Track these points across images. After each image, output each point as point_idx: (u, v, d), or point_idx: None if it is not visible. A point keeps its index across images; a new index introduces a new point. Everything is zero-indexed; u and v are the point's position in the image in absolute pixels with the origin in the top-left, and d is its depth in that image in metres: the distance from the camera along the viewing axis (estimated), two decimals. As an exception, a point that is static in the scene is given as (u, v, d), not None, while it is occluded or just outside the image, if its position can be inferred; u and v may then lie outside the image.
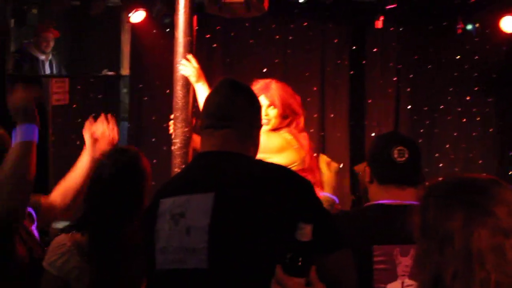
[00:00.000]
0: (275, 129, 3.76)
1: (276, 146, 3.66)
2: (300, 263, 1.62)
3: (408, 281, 2.25)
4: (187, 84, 3.76)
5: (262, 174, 1.98)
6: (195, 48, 3.82)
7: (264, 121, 3.63)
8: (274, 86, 3.79)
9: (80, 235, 2.50)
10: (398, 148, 2.42)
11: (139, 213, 2.45)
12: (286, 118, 3.76)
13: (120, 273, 2.46)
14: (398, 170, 2.37)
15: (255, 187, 1.91)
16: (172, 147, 3.77)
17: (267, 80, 3.83)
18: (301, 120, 3.82)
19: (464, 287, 1.30)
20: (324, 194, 2.97)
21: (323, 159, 3.10)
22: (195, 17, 3.81)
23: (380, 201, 2.44)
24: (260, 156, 3.57)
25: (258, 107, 2.21)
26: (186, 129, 3.75)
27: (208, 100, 2.21)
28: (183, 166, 3.64)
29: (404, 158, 2.41)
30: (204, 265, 1.86)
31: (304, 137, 3.79)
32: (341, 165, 6.33)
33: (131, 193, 2.55)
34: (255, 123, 2.18)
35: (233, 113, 2.11)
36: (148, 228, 2.02)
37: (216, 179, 1.97)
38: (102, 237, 2.50)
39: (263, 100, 3.69)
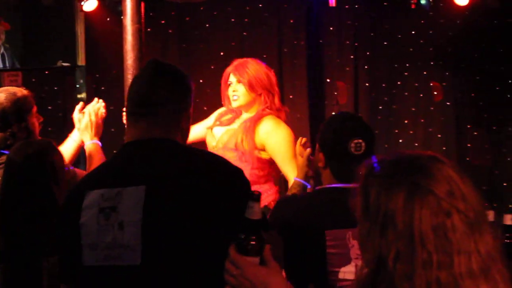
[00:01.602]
0: (254, 111, 3.88)
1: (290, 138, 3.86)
2: (253, 242, 1.61)
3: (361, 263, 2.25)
4: (138, 72, 3.71)
5: (193, 163, 1.92)
6: (143, 35, 3.77)
7: (234, 97, 3.68)
8: (248, 65, 3.85)
9: None
10: (355, 141, 2.40)
11: (53, 208, 2.44)
12: (259, 95, 3.79)
13: (37, 269, 2.42)
14: (354, 163, 2.32)
15: (186, 178, 1.86)
16: (125, 136, 3.72)
17: (243, 59, 3.85)
18: (276, 98, 3.88)
19: (406, 268, 1.29)
20: (296, 179, 2.96)
21: (299, 142, 3.07)
22: (142, 4, 3.75)
23: (332, 185, 2.43)
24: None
25: (185, 88, 2.07)
26: (139, 118, 3.71)
27: (131, 85, 2.13)
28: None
29: (361, 151, 2.39)
30: (137, 261, 1.81)
31: (284, 114, 3.96)
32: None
33: (40, 185, 2.54)
34: (183, 106, 2.05)
35: (155, 99, 1.99)
36: (70, 221, 1.92)
37: (146, 171, 1.90)
38: (13, 234, 2.49)
39: (231, 78, 3.81)
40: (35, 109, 3.17)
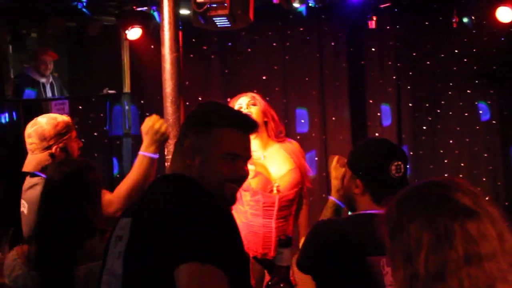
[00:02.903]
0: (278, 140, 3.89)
1: None
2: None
3: None
4: (177, 100, 3.77)
5: (161, 204, 1.89)
6: (182, 64, 3.83)
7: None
8: (256, 95, 3.96)
9: (27, 246, 2.66)
10: (396, 163, 2.38)
11: (88, 224, 2.62)
12: (266, 123, 3.85)
13: (67, 280, 2.55)
14: (394, 186, 2.26)
15: (154, 218, 1.84)
16: (166, 164, 3.79)
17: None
18: (283, 131, 3.98)
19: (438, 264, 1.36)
20: (331, 198, 2.91)
21: (333, 161, 2.91)
22: (181, 33, 3.82)
23: (369, 211, 2.40)
24: None
25: (196, 125, 2.05)
26: (179, 145, 3.77)
27: None
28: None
29: (401, 173, 2.38)
30: None
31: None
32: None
33: (74, 203, 2.64)
34: (187, 138, 2.04)
35: (179, 135, 2.12)
36: (107, 244, 2.04)
37: (138, 205, 1.98)
38: (45, 246, 2.62)
39: (243, 100, 3.85)
40: (74, 134, 3.33)
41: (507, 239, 1.38)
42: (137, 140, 6.78)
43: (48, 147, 3.20)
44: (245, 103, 3.81)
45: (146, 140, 3.17)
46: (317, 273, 2.38)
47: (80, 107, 6.60)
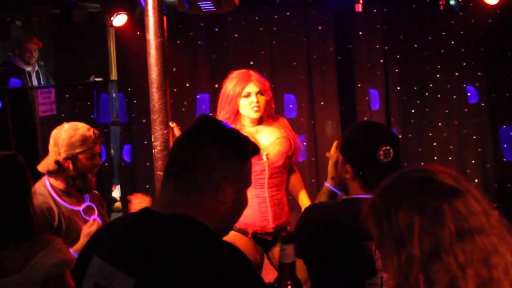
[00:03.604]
0: (268, 121, 3.82)
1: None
2: (289, 286, 1.61)
3: (386, 276, 2.20)
4: (162, 86, 3.74)
5: (186, 260, 1.56)
6: (167, 49, 3.79)
7: (255, 108, 3.65)
8: (255, 74, 3.80)
9: None
10: (384, 148, 2.33)
11: (9, 228, 2.32)
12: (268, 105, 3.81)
13: None
14: (384, 171, 2.21)
15: (173, 279, 1.54)
16: (153, 150, 3.76)
17: (243, 70, 3.81)
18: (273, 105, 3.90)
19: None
20: (326, 184, 2.88)
21: (333, 146, 2.83)
22: (165, 18, 3.78)
23: (360, 195, 2.37)
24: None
25: (229, 150, 1.71)
26: (165, 131, 3.75)
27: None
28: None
29: (390, 159, 2.34)
30: None
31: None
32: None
33: None
34: (221, 175, 1.68)
35: (188, 157, 1.69)
36: (77, 281, 1.74)
37: (142, 260, 1.59)
38: None
39: (253, 87, 3.71)
40: (93, 151, 3.23)
41: (491, 213, 1.43)
42: (125, 128, 6.78)
43: (58, 154, 3.18)
44: (254, 93, 3.70)
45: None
46: (308, 257, 2.36)
47: (67, 96, 6.53)
